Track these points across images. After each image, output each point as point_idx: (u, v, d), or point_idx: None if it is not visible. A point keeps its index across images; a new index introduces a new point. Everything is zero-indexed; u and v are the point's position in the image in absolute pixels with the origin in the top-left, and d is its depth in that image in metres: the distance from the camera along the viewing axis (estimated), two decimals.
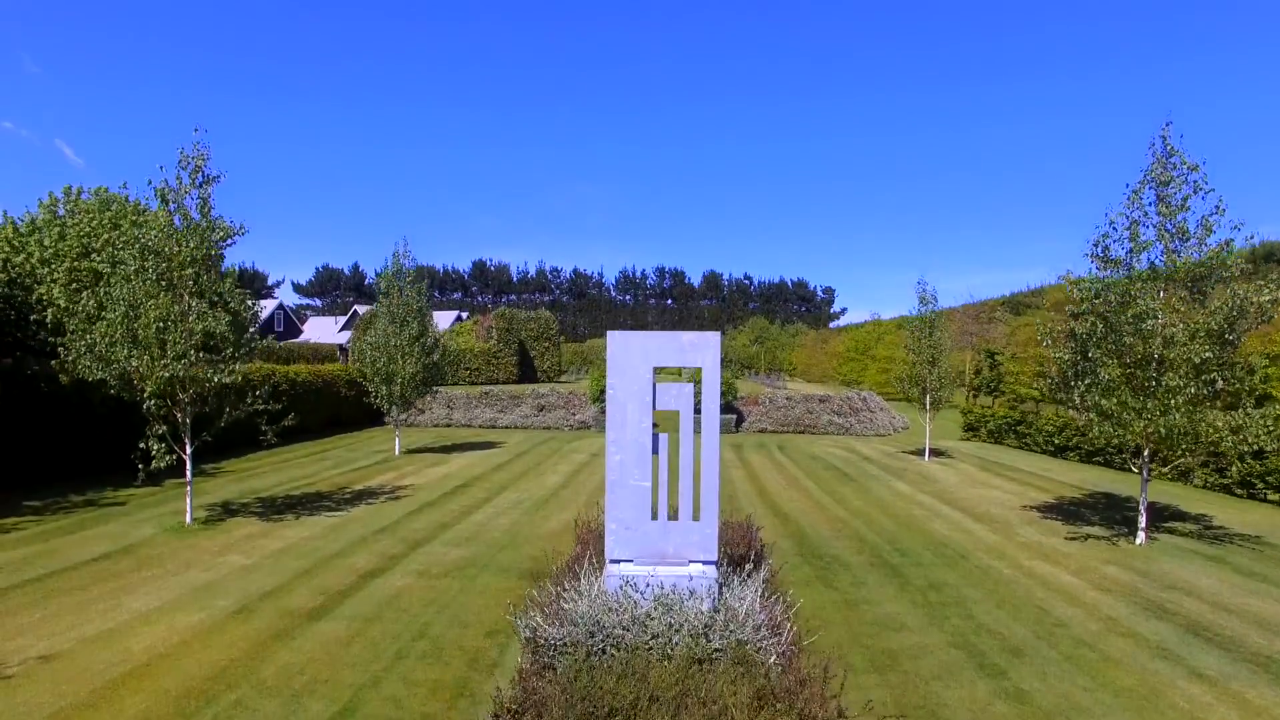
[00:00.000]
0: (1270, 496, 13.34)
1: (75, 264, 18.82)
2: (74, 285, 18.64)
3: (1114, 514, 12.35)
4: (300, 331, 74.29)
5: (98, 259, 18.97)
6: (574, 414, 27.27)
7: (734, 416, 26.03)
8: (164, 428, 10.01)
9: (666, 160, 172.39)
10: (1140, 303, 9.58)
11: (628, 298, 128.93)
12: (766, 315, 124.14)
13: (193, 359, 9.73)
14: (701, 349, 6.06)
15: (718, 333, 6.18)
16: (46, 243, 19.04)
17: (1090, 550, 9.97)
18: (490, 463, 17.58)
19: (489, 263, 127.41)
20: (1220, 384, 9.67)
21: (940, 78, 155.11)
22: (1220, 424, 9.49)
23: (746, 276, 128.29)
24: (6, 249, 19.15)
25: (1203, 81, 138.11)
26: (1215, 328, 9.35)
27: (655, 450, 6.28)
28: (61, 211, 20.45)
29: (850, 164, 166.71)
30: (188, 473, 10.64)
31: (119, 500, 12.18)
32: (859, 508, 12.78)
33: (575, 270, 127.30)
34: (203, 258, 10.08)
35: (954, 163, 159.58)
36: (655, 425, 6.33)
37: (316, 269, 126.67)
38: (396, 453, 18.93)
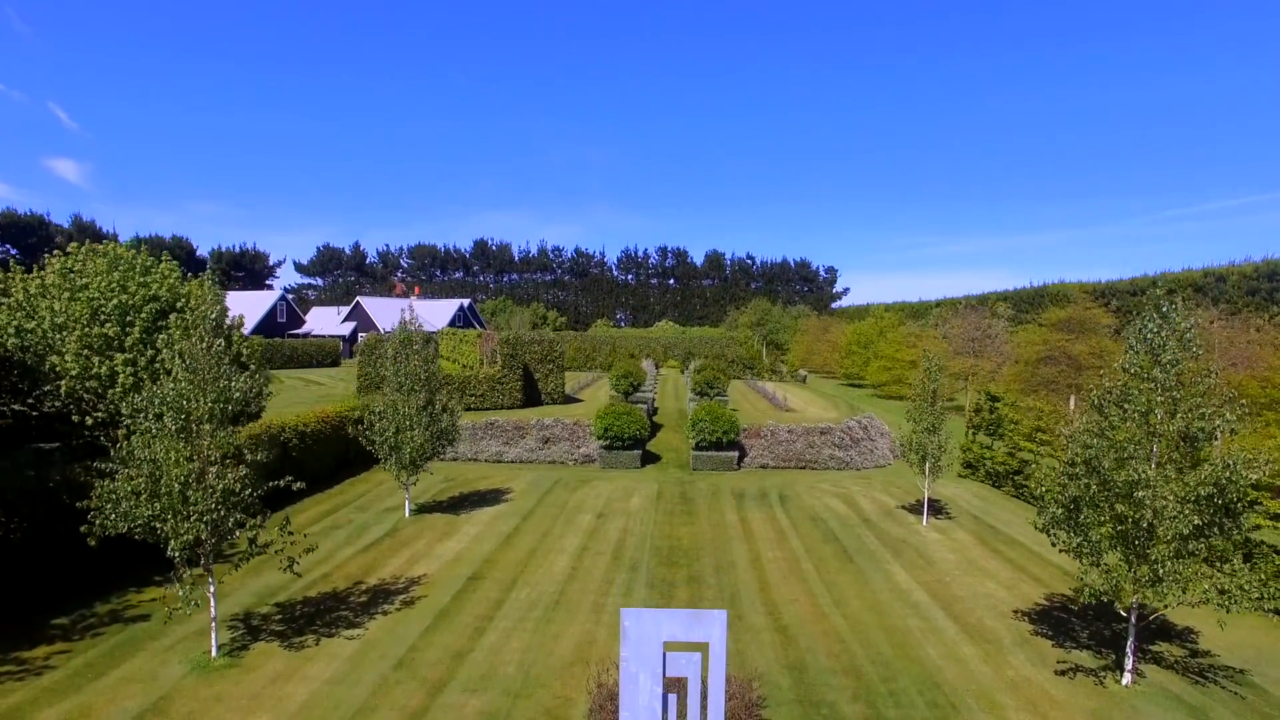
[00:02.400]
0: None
1: (86, 330, 19.02)
2: (85, 353, 18.87)
3: (1103, 627, 12.79)
4: (303, 322, 74.46)
5: (109, 326, 19.23)
6: (578, 446, 27.66)
7: (736, 454, 26.43)
8: (189, 572, 10.39)
9: (666, 126, 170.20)
10: (1132, 467, 9.84)
11: (630, 277, 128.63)
12: (769, 296, 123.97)
13: (216, 516, 10.04)
14: (708, 625, 6.37)
15: (724, 610, 6.48)
16: (57, 307, 19.21)
17: (1077, 693, 10.41)
18: (499, 532, 17.97)
19: (491, 242, 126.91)
20: (1208, 539, 10.03)
21: (938, 47, 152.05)
22: (1208, 585, 9.85)
23: (749, 256, 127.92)
24: (19, 315, 19.32)
25: (1218, 68, 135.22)
26: (1205, 494, 9.62)
27: (665, 709, 6.61)
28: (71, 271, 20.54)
29: (850, 134, 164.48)
30: (212, 608, 11.05)
31: (143, 612, 12.61)
32: (856, 613, 13.23)
33: (577, 249, 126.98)
34: (220, 413, 10.30)
35: (955, 128, 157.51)
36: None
37: (318, 248, 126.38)
38: (406, 514, 19.37)
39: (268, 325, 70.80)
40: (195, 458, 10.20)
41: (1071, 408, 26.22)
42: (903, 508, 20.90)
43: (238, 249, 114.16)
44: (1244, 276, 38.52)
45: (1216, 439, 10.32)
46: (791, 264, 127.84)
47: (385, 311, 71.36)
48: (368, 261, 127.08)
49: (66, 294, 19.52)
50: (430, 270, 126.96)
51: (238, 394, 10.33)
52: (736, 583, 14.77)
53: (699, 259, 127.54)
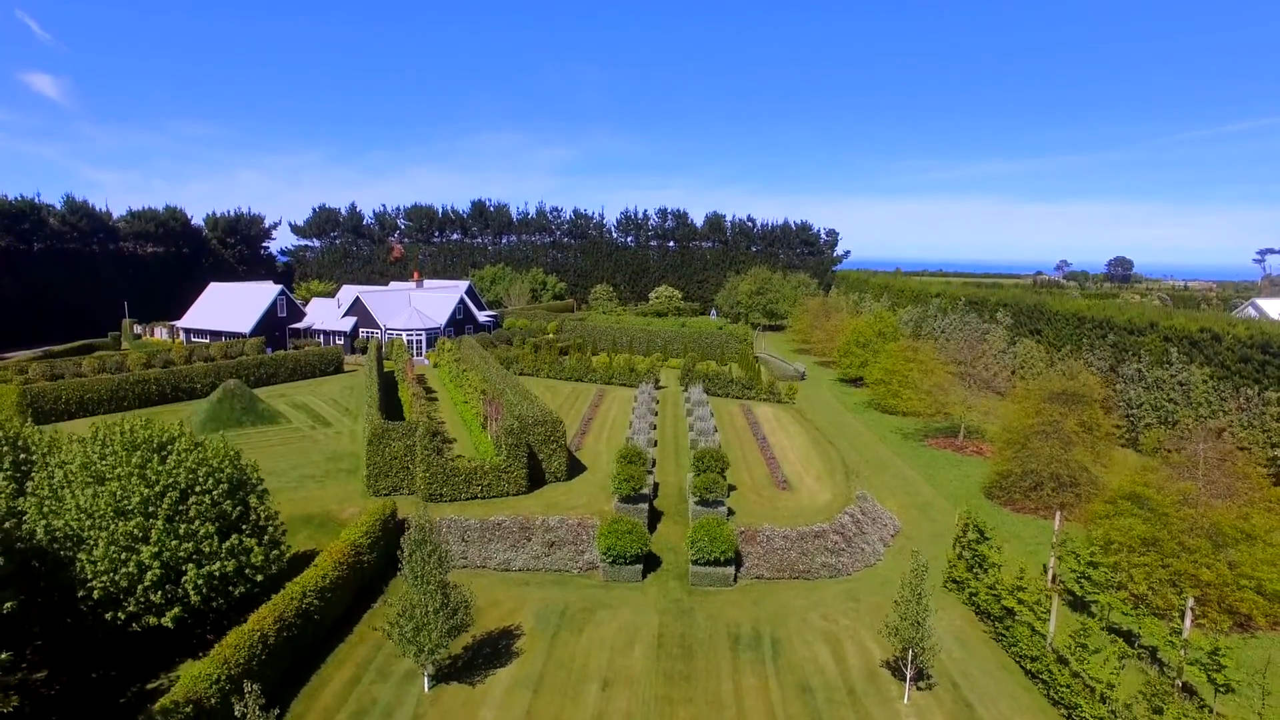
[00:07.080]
0: None
1: (113, 526, 19.83)
2: (113, 549, 19.73)
3: None
4: (303, 315, 74.57)
5: (134, 522, 20.03)
6: (582, 552, 28.98)
7: (732, 569, 27.75)
8: None
9: (664, 35, 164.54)
10: None
11: (629, 239, 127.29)
12: (769, 259, 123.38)
13: None
14: None
15: None
16: (82, 503, 19.94)
17: None
18: (516, 712, 19.44)
19: (488, 203, 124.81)
20: None
21: None
22: None
23: (749, 219, 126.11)
24: (47, 508, 20.07)
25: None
26: None
27: None
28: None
29: (856, 47, 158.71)
30: None
31: None
32: None
33: (576, 211, 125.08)
34: None
35: (964, 46, 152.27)
36: None
37: (313, 209, 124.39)
38: (425, 686, 20.76)
39: (268, 321, 71.01)
40: None
41: (1056, 526, 27.38)
42: (886, 666, 22.33)
43: (232, 214, 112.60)
44: (1238, 340, 38.86)
45: None
46: (793, 226, 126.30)
47: (385, 306, 71.39)
48: (364, 223, 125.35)
49: (90, 489, 20.22)
50: (428, 232, 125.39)
51: None
52: None
53: (699, 220, 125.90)
